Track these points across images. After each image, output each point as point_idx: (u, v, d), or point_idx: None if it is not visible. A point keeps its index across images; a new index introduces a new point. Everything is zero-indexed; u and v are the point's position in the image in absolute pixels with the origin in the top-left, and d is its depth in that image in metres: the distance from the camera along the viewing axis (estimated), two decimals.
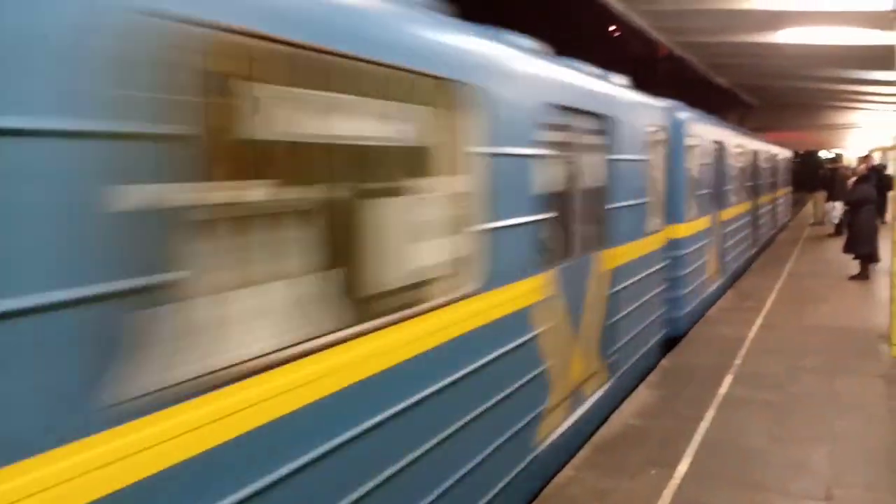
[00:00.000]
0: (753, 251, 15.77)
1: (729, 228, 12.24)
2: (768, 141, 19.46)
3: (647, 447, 5.64)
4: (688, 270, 9.24)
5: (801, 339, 8.87)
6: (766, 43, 12.15)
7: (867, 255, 13.10)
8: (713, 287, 11.12)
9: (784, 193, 23.27)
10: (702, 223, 10.00)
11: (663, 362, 7.96)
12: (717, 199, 11.26)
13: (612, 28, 18.03)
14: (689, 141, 9.25)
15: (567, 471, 5.22)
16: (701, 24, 11.47)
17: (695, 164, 9.62)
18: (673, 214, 8.77)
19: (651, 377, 7.45)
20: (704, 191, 10.13)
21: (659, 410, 6.47)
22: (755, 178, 15.86)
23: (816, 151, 44.33)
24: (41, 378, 1.69)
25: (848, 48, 11.92)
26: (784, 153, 22.84)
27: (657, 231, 7.60)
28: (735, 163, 13.02)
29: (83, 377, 1.78)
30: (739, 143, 13.63)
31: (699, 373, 7.53)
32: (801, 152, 44.48)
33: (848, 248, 13.45)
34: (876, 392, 6.91)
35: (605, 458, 5.46)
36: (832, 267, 14.31)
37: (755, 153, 15.93)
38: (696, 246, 9.71)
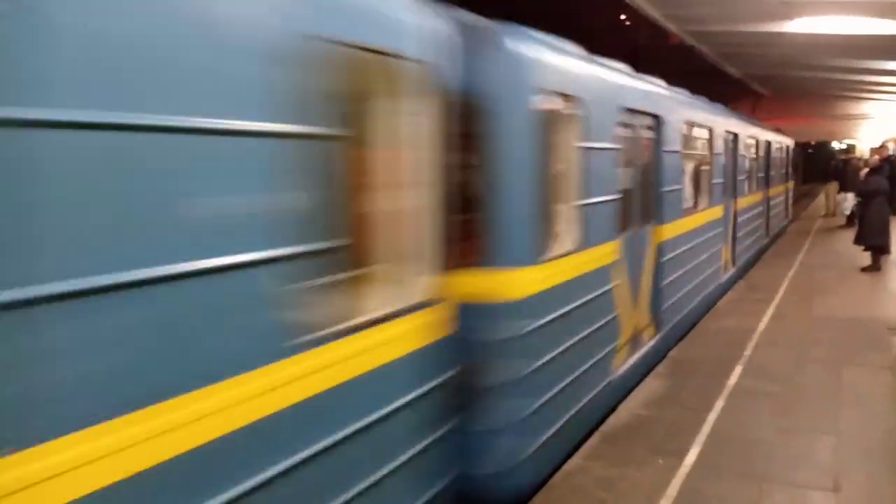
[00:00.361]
0: (725, 280, 11.07)
1: (670, 256, 7.69)
2: (762, 124, 15.93)
3: (655, 437, 5.64)
4: (534, 366, 4.56)
5: (811, 331, 8.84)
6: (777, 32, 12.05)
7: (879, 247, 13.02)
8: (624, 368, 6.43)
9: (780, 192, 18.09)
10: (584, 261, 5.28)
11: (672, 353, 7.96)
12: (640, 211, 6.89)
13: (622, 17, 17.89)
14: (544, 102, 4.63)
15: (574, 460, 5.23)
16: (712, 13, 11.38)
17: (567, 152, 5.09)
18: (490, 253, 4.24)
19: (659, 368, 7.45)
20: (601, 199, 5.58)
21: (666, 401, 6.47)
22: (730, 174, 11.15)
23: (829, 142, 44.06)
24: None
25: (860, 38, 11.80)
26: (781, 140, 18.17)
27: (407, 310, 3.44)
28: (688, 150, 8.70)
29: None
30: (696, 121, 9.17)
31: (707, 364, 7.52)
32: (814, 143, 44.25)
33: (859, 240, 13.37)
34: (885, 384, 6.88)
35: (612, 447, 5.47)
36: (844, 258, 14.23)
37: (731, 138, 11.23)
38: (564, 310, 4.97)
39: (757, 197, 14.23)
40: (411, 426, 3.51)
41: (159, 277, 2.19)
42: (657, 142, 7.37)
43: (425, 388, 3.58)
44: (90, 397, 2.01)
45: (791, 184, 21.53)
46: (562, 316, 4.96)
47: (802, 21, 11.02)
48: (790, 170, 20.84)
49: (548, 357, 4.77)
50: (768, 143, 15.51)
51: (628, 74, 6.87)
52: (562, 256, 4.98)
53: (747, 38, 13.05)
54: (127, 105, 2.09)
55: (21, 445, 1.82)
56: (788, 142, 19.84)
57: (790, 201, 21.40)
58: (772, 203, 16.39)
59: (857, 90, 21.03)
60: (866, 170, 14.81)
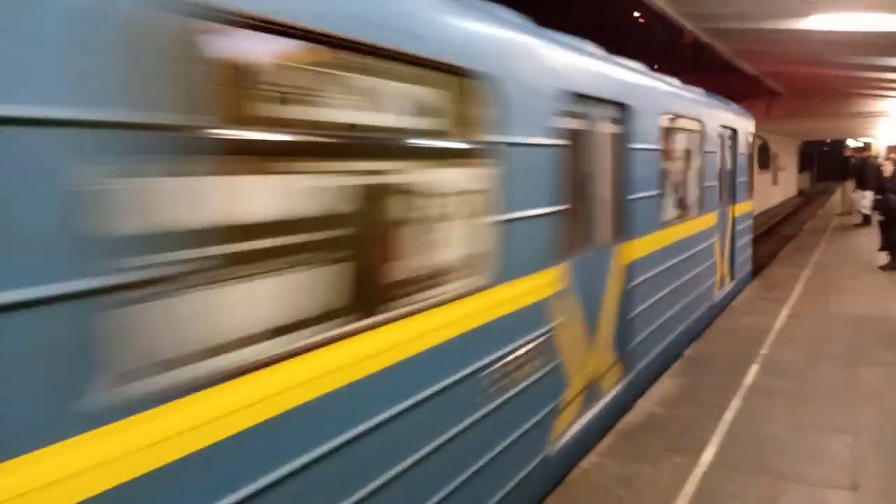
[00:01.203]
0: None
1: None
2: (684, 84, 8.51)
3: (671, 435, 5.65)
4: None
5: (828, 329, 8.80)
6: (793, 29, 12.00)
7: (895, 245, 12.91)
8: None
9: (705, 226, 8.71)
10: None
11: (687, 352, 7.96)
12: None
13: (636, 14, 17.85)
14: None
15: (591, 457, 5.26)
16: (728, 10, 11.35)
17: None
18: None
19: (674, 366, 7.46)
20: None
21: (682, 399, 6.48)
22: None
23: (844, 140, 43.70)
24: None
25: (877, 34, 11.72)
26: (729, 119, 9.98)
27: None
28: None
29: None
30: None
31: (723, 362, 7.52)
32: (829, 141, 43.93)
33: (887, 245, 13.18)
34: None
35: (629, 445, 5.48)
36: (860, 256, 14.14)
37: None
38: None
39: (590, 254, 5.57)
40: None
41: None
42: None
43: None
44: None
45: (739, 206, 10.91)
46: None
47: (819, 18, 10.96)
48: (737, 181, 10.63)
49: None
50: (662, 128, 6.94)
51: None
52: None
53: (763, 35, 12.99)
54: None
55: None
56: (735, 122, 10.42)
57: (733, 247, 10.66)
58: (636, 292, 6.26)
59: (873, 87, 20.86)
60: (893, 168, 14.64)
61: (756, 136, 12.53)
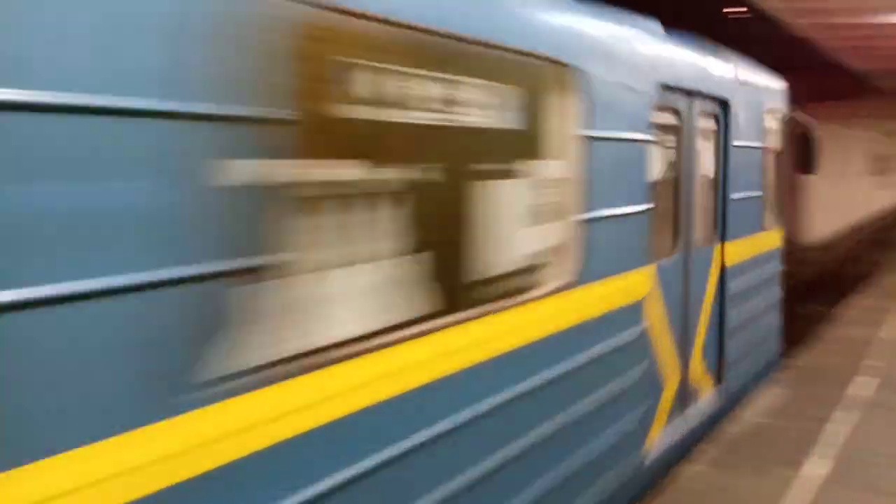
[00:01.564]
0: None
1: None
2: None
3: (776, 447, 5.49)
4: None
5: None
6: None
7: None
8: None
9: (596, 310, 3.91)
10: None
11: (794, 362, 7.68)
12: None
13: (728, 10, 17.18)
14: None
15: (694, 466, 5.16)
16: (835, 5, 10.88)
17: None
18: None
19: (781, 376, 7.21)
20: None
21: (789, 410, 6.28)
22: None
23: None
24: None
25: None
26: (704, 79, 5.29)
27: None
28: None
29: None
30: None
31: (831, 373, 7.25)
32: None
33: None
34: None
35: (731, 455, 5.36)
36: None
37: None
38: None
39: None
40: None
41: None
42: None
43: None
44: None
45: (739, 246, 6.11)
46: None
47: None
48: (728, 199, 5.86)
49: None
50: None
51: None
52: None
53: (873, 29, 12.39)
54: None
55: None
56: (724, 87, 5.70)
57: (721, 326, 5.91)
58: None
59: None
60: None
61: (793, 118, 7.18)
